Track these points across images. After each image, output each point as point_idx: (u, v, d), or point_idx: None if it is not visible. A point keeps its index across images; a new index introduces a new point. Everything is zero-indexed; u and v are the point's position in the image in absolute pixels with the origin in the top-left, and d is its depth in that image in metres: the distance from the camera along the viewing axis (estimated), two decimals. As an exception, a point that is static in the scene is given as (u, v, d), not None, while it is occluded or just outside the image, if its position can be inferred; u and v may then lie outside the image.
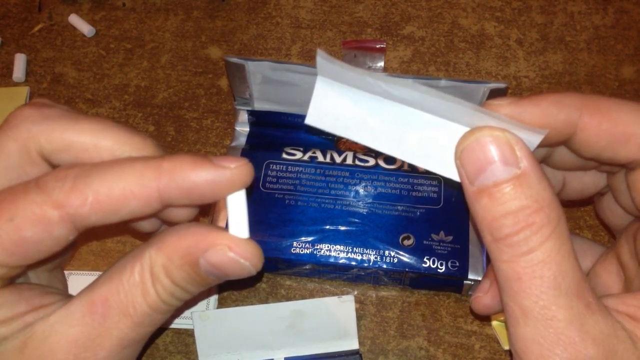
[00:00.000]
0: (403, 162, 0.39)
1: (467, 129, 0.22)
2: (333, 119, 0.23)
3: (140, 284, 0.24)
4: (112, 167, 0.23)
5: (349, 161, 0.39)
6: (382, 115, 0.23)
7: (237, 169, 0.24)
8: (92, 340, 0.24)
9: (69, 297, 0.26)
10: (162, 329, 0.37)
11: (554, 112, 0.23)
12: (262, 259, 0.25)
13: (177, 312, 0.35)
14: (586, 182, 0.28)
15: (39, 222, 0.23)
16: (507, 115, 0.23)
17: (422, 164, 0.23)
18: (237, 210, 0.24)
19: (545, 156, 0.27)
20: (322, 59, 0.22)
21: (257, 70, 0.37)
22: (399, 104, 0.23)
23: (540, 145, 0.22)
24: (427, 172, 0.24)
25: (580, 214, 0.41)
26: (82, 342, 0.23)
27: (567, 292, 0.20)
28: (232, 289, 0.38)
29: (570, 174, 0.28)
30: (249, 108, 0.41)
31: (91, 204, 0.23)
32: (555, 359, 0.20)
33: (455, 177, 0.23)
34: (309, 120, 0.24)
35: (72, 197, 0.23)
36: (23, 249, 0.23)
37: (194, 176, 0.23)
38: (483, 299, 0.27)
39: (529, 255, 0.21)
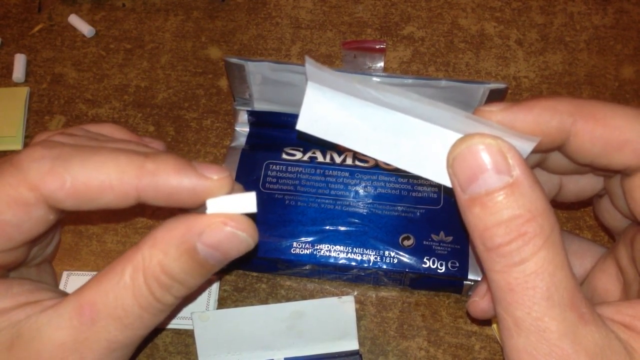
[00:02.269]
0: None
1: (460, 135, 0.22)
2: (325, 125, 0.23)
3: (131, 286, 0.23)
4: (95, 156, 0.23)
5: (349, 161, 0.39)
6: (375, 122, 0.23)
7: (219, 181, 0.24)
8: (79, 343, 0.23)
9: (60, 294, 0.25)
10: (159, 329, 0.37)
11: (546, 118, 0.23)
12: (256, 230, 0.24)
13: (173, 314, 0.35)
14: (583, 185, 0.28)
15: (16, 204, 0.23)
16: (500, 122, 0.22)
17: (415, 170, 0.23)
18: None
19: (540, 160, 0.26)
20: (310, 65, 0.21)
21: (257, 70, 0.37)
22: (391, 110, 0.23)
23: (533, 152, 0.22)
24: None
25: (580, 215, 0.41)
26: (69, 345, 0.23)
27: (560, 303, 0.20)
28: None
29: (566, 177, 0.28)
30: (249, 108, 0.41)
31: (68, 190, 0.23)
32: None
33: (449, 183, 0.23)
34: (300, 127, 0.23)
35: (49, 179, 0.23)
36: (5, 232, 0.23)
37: (175, 182, 0.23)
38: (480, 304, 0.27)
39: (521, 265, 0.20)
